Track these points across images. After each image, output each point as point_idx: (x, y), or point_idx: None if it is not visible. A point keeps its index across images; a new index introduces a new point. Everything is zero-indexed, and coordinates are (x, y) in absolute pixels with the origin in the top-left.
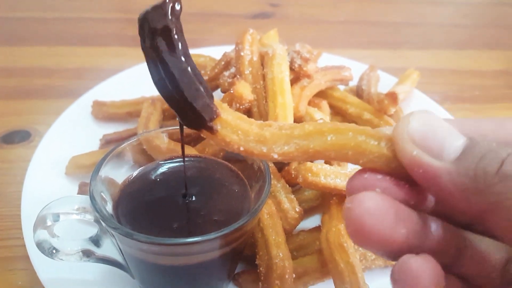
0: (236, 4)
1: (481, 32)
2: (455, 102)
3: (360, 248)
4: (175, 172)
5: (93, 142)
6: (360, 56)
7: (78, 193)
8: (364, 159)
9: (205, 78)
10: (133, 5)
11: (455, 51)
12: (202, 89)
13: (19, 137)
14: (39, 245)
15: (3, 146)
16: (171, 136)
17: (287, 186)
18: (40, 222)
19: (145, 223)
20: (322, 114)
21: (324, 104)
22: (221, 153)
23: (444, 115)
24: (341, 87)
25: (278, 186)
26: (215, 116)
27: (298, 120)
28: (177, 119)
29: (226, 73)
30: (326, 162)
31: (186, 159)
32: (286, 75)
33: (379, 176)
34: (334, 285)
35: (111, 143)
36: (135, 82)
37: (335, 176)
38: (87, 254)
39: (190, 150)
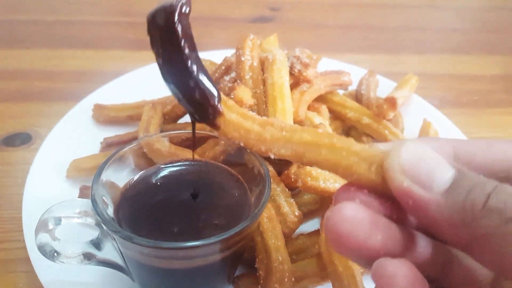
0: (236, 8)
1: (480, 37)
2: (454, 107)
3: None
4: (175, 176)
5: (94, 145)
6: (359, 61)
7: (79, 196)
8: (353, 178)
9: None
10: (135, 8)
11: (453, 56)
12: (206, 89)
13: (20, 139)
14: (41, 248)
15: (4, 148)
16: (171, 140)
17: (287, 190)
18: (42, 226)
19: (146, 226)
20: (321, 119)
21: (324, 108)
22: (221, 157)
23: (443, 120)
24: (341, 92)
25: (277, 190)
26: (218, 116)
27: (298, 124)
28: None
29: (227, 78)
30: None
31: (186, 163)
32: (286, 80)
33: (365, 191)
34: None
35: (111, 146)
36: (136, 85)
37: (334, 180)
38: (88, 257)
39: (190, 154)
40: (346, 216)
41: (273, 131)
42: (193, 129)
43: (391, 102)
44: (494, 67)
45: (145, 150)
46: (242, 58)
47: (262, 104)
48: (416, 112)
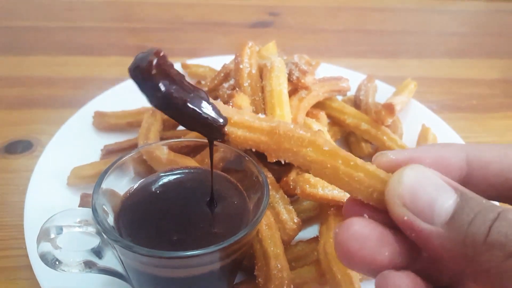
0: (235, 13)
1: (478, 41)
2: (453, 111)
3: None
4: (175, 184)
5: (95, 152)
6: (358, 65)
7: (79, 204)
8: (357, 198)
9: (205, 89)
10: (135, 15)
11: (452, 60)
12: (208, 119)
13: (22, 147)
14: (43, 257)
15: (6, 156)
16: (171, 147)
17: (285, 197)
18: (43, 235)
19: (146, 235)
20: (320, 125)
21: (322, 115)
22: (220, 164)
23: (442, 125)
24: (339, 98)
25: (276, 197)
26: (224, 136)
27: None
28: None
29: (226, 85)
30: None
31: (185, 171)
32: (284, 87)
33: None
34: None
35: (112, 153)
36: (136, 92)
37: (333, 187)
38: (89, 265)
39: (189, 162)
40: (354, 233)
41: (280, 140)
42: (211, 149)
43: (389, 108)
44: (493, 71)
45: (145, 158)
46: (241, 66)
47: (261, 111)
48: (415, 117)
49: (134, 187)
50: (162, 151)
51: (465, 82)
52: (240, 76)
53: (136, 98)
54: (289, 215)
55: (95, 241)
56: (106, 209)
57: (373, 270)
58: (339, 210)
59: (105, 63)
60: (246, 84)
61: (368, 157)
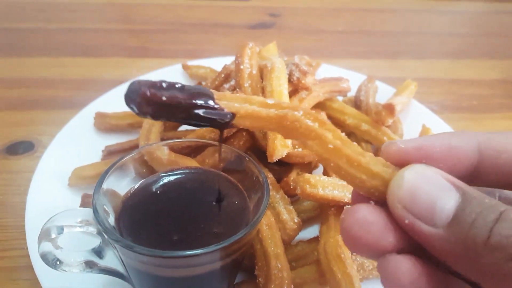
0: (236, 14)
1: (479, 41)
2: (453, 111)
3: (358, 259)
4: (175, 184)
5: (96, 153)
6: (358, 66)
7: (80, 205)
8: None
9: None
10: (136, 16)
11: (452, 61)
12: (215, 120)
13: (23, 148)
14: (44, 257)
15: (7, 157)
16: (172, 148)
17: (286, 197)
18: (44, 235)
19: (146, 235)
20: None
21: (323, 115)
22: (221, 164)
23: (442, 125)
24: (340, 98)
25: (276, 197)
26: (231, 126)
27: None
28: None
29: (226, 86)
30: (324, 173)
31: (186, 171)
32: (285, 88)
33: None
34: None
35: (113, 154)
36: None
37: (333, 187)
38: (90, 265)
39: (190, 162)
40: (359, 219)
41: (287, 130)
42: (220, 137)
43: (390, 108)
44: (493, 71)
45: (145, 158)
46: (241, 66)
47: None
48: (415, 117)
49: (135, 188)
50: (163, 152)
51: (465, 82)
52: (240, 77)
53: None
54: (289, 215)
55: (96, 241)
56: (107, 209)
57: (377, 254)
58: (340, 210)
59: (106, 64)
60: (246, 85)
61: None
